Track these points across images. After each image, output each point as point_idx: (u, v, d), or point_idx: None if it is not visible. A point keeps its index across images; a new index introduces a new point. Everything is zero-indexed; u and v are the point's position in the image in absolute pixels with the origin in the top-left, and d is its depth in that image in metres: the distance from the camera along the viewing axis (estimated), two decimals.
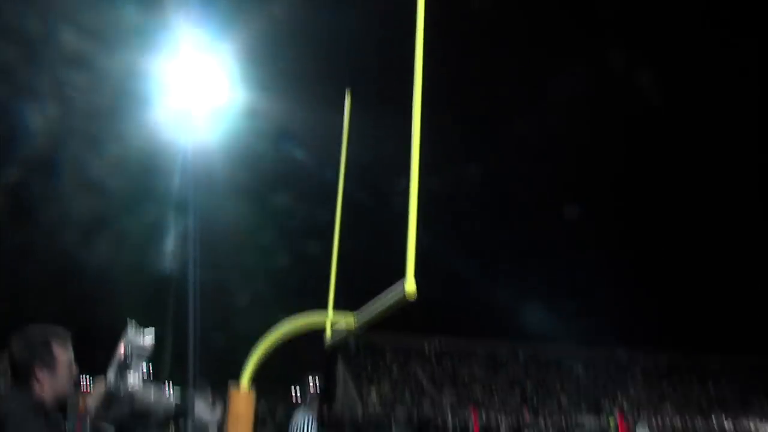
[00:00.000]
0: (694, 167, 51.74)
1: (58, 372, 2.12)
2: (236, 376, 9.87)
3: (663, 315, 56.29)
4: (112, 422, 2.38)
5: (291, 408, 33.71)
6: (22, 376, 2.08)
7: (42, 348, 2.09)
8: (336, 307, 10.98)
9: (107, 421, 2.39)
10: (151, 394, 2.52)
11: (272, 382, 49.77)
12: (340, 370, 45.48)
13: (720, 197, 52.44)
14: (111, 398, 2.49)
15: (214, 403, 8.79)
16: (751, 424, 35.84)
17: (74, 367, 2.20)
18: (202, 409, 8.58)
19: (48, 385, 2.08)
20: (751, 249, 51.73)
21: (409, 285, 6.68)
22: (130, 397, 2.45)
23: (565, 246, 60.58)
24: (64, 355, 2.15)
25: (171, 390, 2.58)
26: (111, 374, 2.58)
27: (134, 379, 2.50)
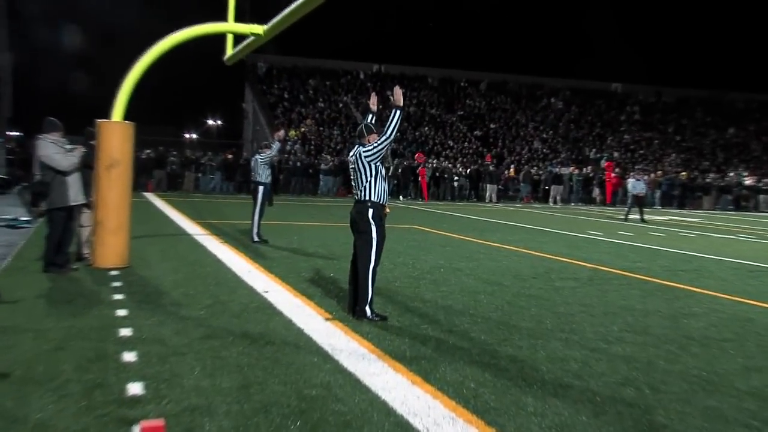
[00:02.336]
0: None
1: None
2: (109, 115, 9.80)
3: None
4: None
5: (177, 151, 34.75)
6: None
7: None
8: (239, 19, 10.63)
9: None
10: None
11: (164, 125, 50.21)
12: (248, 102, 46.07)
13: None
14: None
15: (72, 149, 8.89)
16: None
17: None
18: (53, 153, 8.66)
19: None
20: None
21: None
22: None
23: None
24: None
25: None
26: None
27: None
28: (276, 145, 13.12)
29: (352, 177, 6.97)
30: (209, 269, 9.54)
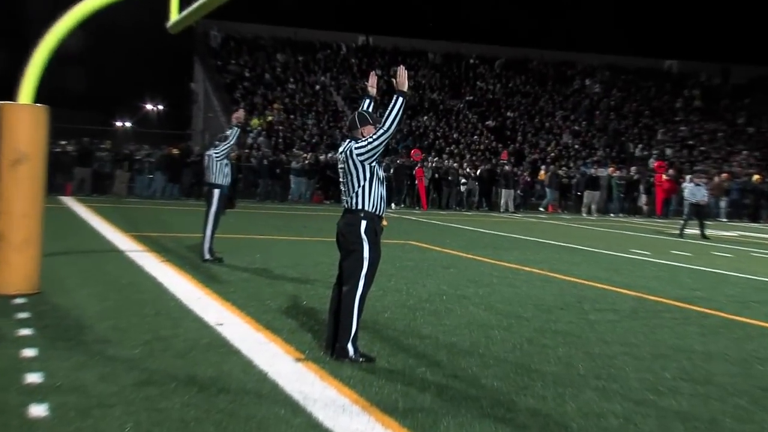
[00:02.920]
0: None
1: None
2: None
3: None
4: None
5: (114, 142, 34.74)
6: None
7: None
8: None
9: None
10: None
11: (89, 110, 50.15)
12: (199, 81, 46.10)
13: None
14: None
15: None
16: None
17: None
18: None
19: None
20: None
21: None
22: None
23: None
24: None
25: None
26: None
27: None
28: (233, 131, 13.05)
29: (341, 180, 6.98)
30: (147, 296, 9.50)
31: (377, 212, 6.85)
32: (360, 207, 6.81)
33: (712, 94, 51.30)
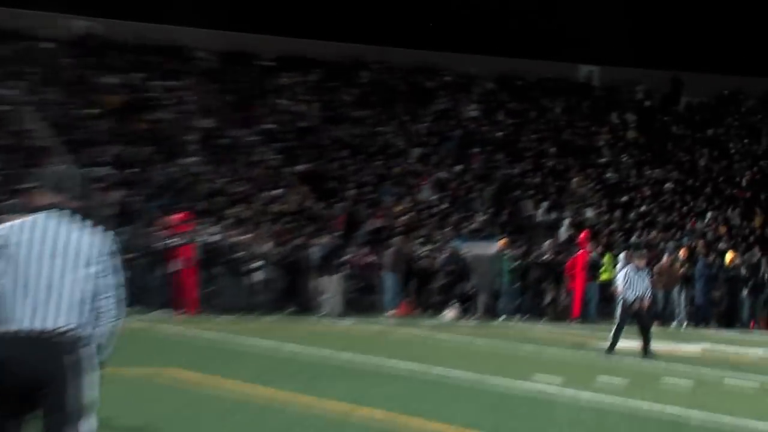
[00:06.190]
0: None
1: None
2: None
3: None
4: None
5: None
6: None
7: None
8: None
9: None
10: None
11: None
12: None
13: None
14: None
15: None
16: None
17: None
18: None
19: None
20: None
21: None
22: None
23: None
24: None
25: None
26: None
27: None
28: None
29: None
30: None
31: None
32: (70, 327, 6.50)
33: (655, 118, 52.77)
